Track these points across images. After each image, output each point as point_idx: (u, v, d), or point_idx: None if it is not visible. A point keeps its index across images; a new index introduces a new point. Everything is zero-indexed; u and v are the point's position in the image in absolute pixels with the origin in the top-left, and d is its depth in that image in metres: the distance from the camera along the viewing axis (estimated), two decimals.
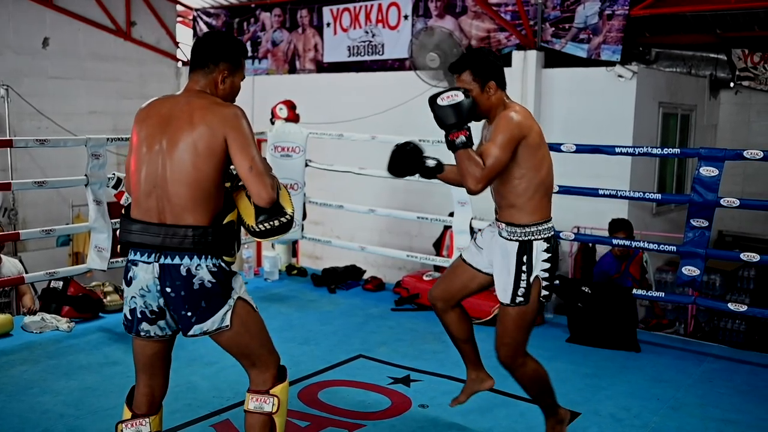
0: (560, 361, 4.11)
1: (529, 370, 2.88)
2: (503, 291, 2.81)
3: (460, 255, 3.08)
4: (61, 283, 4.74)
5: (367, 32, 8.54)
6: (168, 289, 2.23)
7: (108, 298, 4.86)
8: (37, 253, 8.29)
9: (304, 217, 6.12)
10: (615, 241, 4.61)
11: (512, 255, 2.79)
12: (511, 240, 2.80)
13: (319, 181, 6.98)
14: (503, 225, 2.84)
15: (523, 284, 2.76)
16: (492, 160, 2.63)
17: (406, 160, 2.92)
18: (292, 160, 5.90)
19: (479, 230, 3.15)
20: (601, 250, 6.64)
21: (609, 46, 6.72)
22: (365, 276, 6.04)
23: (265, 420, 2.37)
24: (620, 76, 6.62)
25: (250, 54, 9.90)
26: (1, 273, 5.05)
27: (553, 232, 2.83)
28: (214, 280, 2.24)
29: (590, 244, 6.50)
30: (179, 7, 10.53)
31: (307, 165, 5.97)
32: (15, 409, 3.27)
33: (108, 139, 4.71)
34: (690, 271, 4.19)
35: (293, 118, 6.18)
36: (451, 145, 2.65)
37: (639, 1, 6.61)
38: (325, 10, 8.92)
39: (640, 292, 4.39)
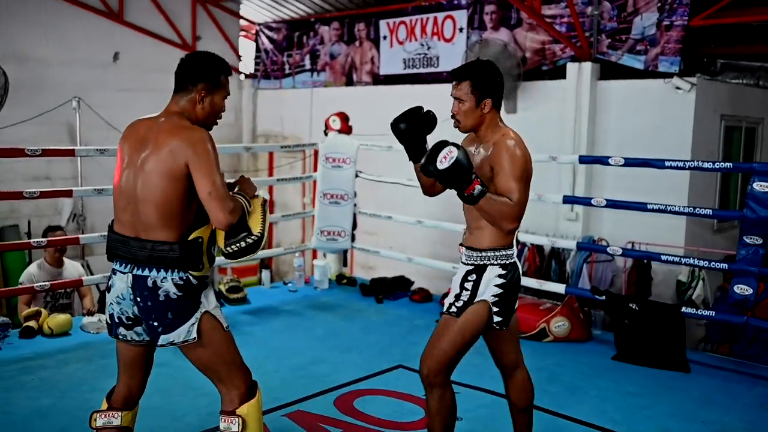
0: (603, 379, 4.04)
1: (445, 399, 2.69)
2: (447, 301, 2.74)
3: None
4: None
5: (422, 45, 8.59)
6: (138, 299, 2.37)
7: None
8: (103, 257, 8.63)
9: (355, 227, 6.20)
10: (664, 257, 4.48)
11: (461, 275, 2.71)
12: (467, 264, 2.72)
13: (372, 191, 7.06)
14: (464, 249, 2.75)
15: (464, 297, 2.66)
16: (518, 195, 2.56)
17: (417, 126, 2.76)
18: (343, 170, 6.00)
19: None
20: (658, 267, 6.47)
21: (667, 57, 6.56)
22: (413, 287, 6.07)
23: None
24: (678, 88, 6.45)
25: (309, 66, 10.10)
26: (63, 276, 5.30)
27: (512, 260, 2.70)
28: (180, 293, 2.35)
29: (645, 261, 6.35)
30: (243, 22, 10.85)
31: (357, 176, 6.06)
32: (66, 405, 3.44)
33: None
34: (742, 289, 4.05)
35: (346, 129, 6.27)
36: (470, 199, 2.53)
37: (699, 11, 6.44)
38: (382, 23, 9.03)
39: (689, 310, 4.26)
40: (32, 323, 4.50)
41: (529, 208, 2.71)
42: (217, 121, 2.52)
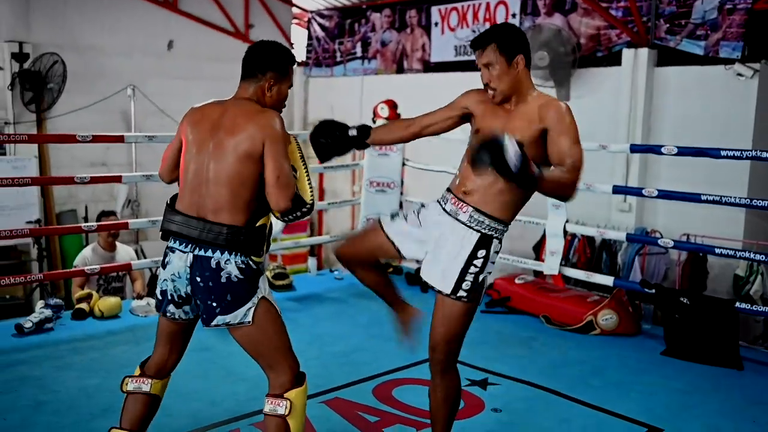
0: (651, 374, 3.92)
1: (456, 383, 2.62)
2: (442, 278, 2.52)
3: (380, 222, 2.74)
4: None
5: (474, 31, 8.45)
6: (197, 279, 2.40)
7: None
8: (156, 242, 8.84)
9: None
10: (718, 251, 4.31)
11: (468, 244, 2.49)
12: (471, 228, 2.51)
13: (419, 180, 7.00)
14: (470, 209, 2.52)
15: (469, 278, 2.47)
16: (578, 157, 2.42)
17: (330, 139, 2.80)
18: (389, 158, 5.98)
19: (423, 205, 2.72)
20: (714, 261, 6.24)
21: (728, 42, 6.29)
22: None
23: (279, 423, 2.42)
24: (740, 74, 6.17)
25: (360, 54, 10.08)
26: (116, 260, 5.45)
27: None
28: (241, 276, 2.39)
29: (701, 254, 6.12)
30: (295, 10, 10.89)
31: (404, 164, 6.03)
32: (110, 385, 3.51)
33: None
34: None
35: (394, 117, 6.23)
36: (534, 180, 2.26)
37: None
38: (434, 9, 8.93)
39: (743, 305, 4.09)
40: (84, 305, 4.63)
41: (579, 199, 2.61)
42: (282, 109, 2.58)
